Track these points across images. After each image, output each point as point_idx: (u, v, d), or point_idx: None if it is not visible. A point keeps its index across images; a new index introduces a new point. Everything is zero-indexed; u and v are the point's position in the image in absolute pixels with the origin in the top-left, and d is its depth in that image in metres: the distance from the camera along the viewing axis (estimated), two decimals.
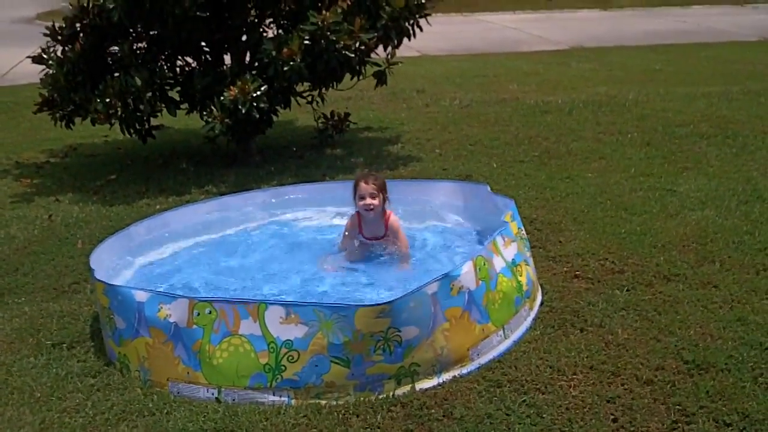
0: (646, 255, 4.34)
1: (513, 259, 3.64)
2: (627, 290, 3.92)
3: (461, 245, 4.29)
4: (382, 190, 4.11)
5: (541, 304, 3.80)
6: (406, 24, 6.33)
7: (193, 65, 6.42)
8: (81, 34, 6.15)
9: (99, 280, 3.46)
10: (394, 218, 4.21)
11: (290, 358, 3.04)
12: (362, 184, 4.07)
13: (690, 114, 7.63)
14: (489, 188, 4.56)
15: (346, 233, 4.27)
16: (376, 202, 4.05)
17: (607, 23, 16.48)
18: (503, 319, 3.41)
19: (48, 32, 6.24)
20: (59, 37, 6.21)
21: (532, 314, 3.66)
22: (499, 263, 3.49)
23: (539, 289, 3.92)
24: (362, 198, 4.07)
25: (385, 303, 3.03)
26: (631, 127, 7.23)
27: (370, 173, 4.24)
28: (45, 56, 6.15)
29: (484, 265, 3.36)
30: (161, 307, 3.21)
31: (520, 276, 3.62)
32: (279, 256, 4.33)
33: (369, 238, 4.22)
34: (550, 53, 12.81)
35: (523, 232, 4.00)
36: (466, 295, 3.24)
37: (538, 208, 5.15)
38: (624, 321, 3.62)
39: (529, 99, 8.73)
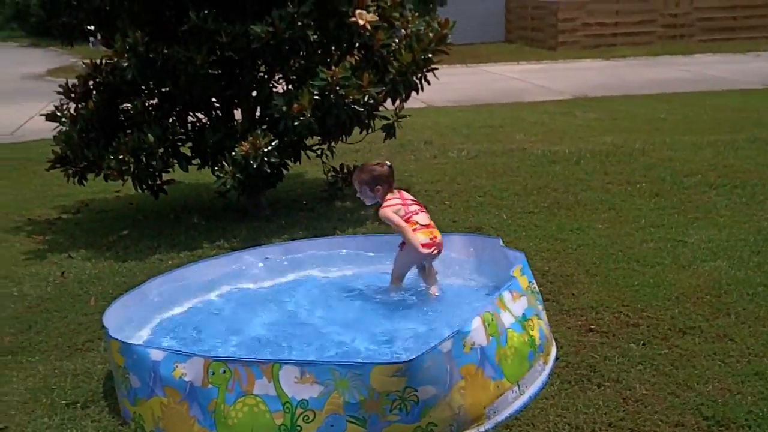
0: (660, 307, 4.32)
1: (523, 314, 3.63)
2: (643, 344, 3.90)
3: (472, 301, 4.24)
4: None
5: (557, 358, 3.77)
6: (414, 78, 6.41)
7: (204, 121, 6.50)
8: (94, 92, 6.26)
9: (114, 339, 3.45)
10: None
11: (306, 418, 3.01)
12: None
13: (697, 163, 7.65)
14: (501, 241, 4.56)
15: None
16: None
17: (609, 72, 16.63)
18: (517, 374, 3.38)
19: (61, 90, 6.35)
20: (72, 95, 6.32)
21: (548, 369, 3.63)
22: (507, 318, 3.48)
23: (554, 343, 3.89)
24: None
25: (401, 362, 3.02)
26: (639, 177, 7.24)
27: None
28: (58, 114, 6.23)
29: (492, 320, 3.36)
30: (176, 366, 3.20)
31: (532, 330, 3.61)
32: (300, 312, 4.29)
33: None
34: (554, 103, 12.90)
35: (534, 285, 3.99)
36: (479, 352, 3.22)
37: (550, 260, 5.15)
38: (641, 376, 3.59)
39: (536, 149, 8.77)
